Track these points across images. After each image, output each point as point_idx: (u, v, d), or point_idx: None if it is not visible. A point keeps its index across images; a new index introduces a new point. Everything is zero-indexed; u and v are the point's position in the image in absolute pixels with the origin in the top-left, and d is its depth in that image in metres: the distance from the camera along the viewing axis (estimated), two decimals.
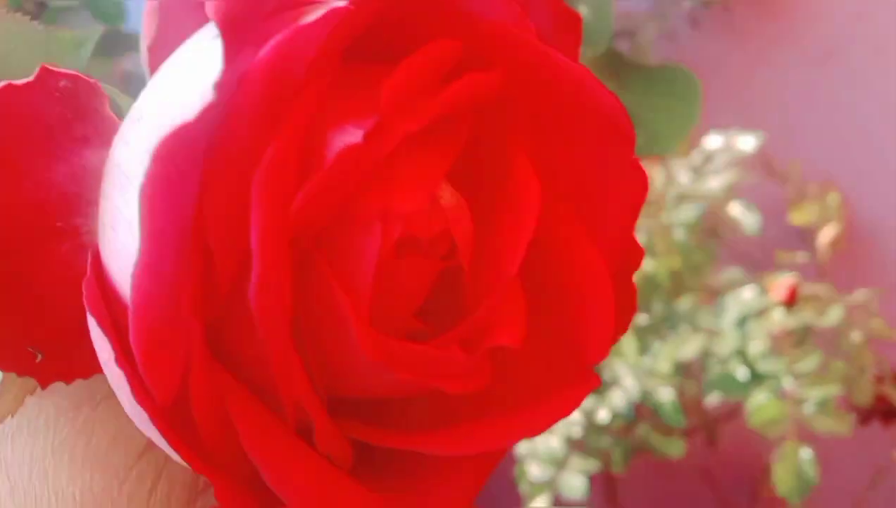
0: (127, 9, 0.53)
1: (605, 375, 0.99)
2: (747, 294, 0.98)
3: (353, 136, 0.17)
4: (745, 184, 1.06)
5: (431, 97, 0.18)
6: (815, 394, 0.89)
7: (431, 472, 0.20)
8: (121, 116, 0.19)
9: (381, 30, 0.19)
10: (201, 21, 0.18)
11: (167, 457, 0.21)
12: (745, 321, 0.96)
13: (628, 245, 0.21)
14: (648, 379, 0.96)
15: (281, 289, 0.17)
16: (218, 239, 0.17)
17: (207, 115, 0.16)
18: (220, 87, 0.16)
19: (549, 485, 0.96)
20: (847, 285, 1.03)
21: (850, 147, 1.25)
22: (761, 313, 0.96)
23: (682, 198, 1.03)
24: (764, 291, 0.98)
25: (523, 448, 0.97)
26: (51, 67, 0.18)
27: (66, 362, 0.19)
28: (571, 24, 0.21)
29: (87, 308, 0.17)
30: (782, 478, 0.88)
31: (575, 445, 0.98)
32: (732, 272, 1.05)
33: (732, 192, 1.04)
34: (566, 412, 0.20)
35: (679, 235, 1.03)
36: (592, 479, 0.97)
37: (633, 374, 0.97)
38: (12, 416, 0.21)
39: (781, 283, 0.97)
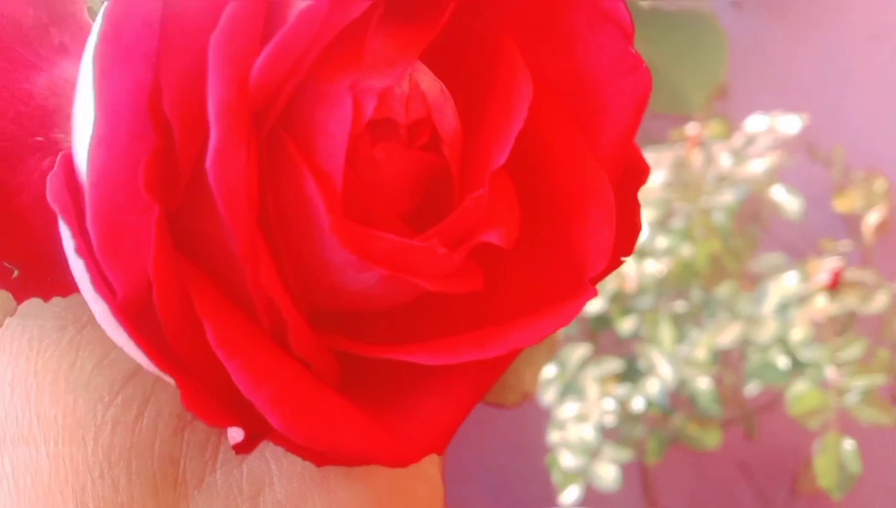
0: None
1: (641, 363, 0.98)
2: (789, 280, 0.95)
3: None
4: (788, 168, 1.03)
5: None
6: (858, 384, 0.87)
7: (421, 388, 0.19)
8: None
9: None
10: None
11: (155, 383, 0.20)
12: (786, 308, 0.94)
13: (632, 156, 0.20)
14: (685, 368, 0.95)
15: (241, 164, 0.16)
16: (177, 111, 0.16)
17: None
18: None
19: (582, 475, 0.95)
20: (893, 273, 1.00)
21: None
22: (803, 299, 0.93)
23: (723, 181, 1.00)
24: (806, 276, 0.95)
25: (555, 437, 0.96)
26: None
27: (43, 278, 0.19)
28: None
29: (49, 200, 0.16)
30: (824, 470, 0.85)
31: (608, 434, 0.96)
32: (773, 258, 1.03)
33: (775, 176, 1.01)
34: (562, 323, 0.19)
35: (719, 219, 1.01)
36: (625, 469, 0.96)
37: (669, 362, 0.96)
38: None
39: (824, 267, 0.94)
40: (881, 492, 1.06)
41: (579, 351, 0.98)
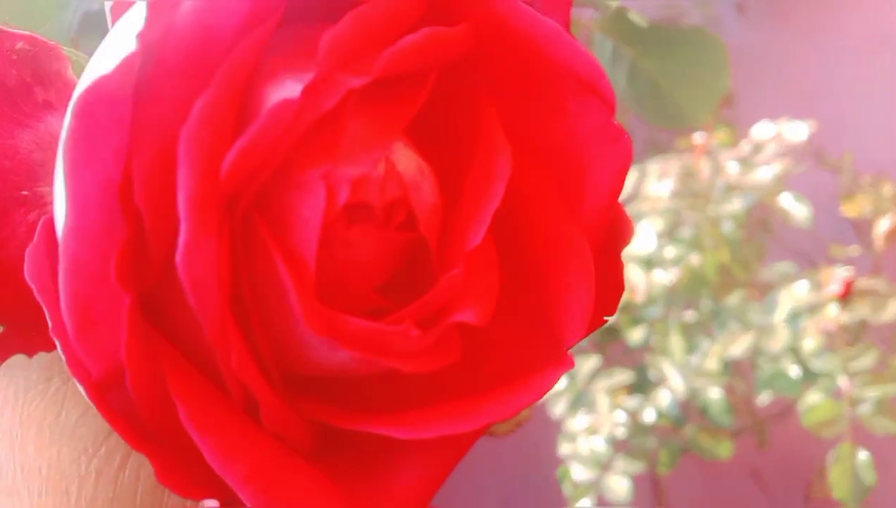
0: None
1: (651, 373, 0.97)
2: (800, 289, 0.95)
3: (291, 90, 0.16)
4: (796, 175, 1.03)
5: (380, 51, 0.17)
6: (871, 393, 0.86)
7: (395, 458, 0.19)
8: None
9: None
10: None
11: None
12: (797, 317, 0.93)
13: (615, 218, 0.20)
14: (696, 378, 0.94)
15: (212, 257, 0.16)
16: (147, 201, 0.16)
17: (128, 66, 0.15)
18: (143, 37, 0.15)
19: (593, 487, 0.94)
20: None
21: None
22: (814, 308, 0.93)
23: (731, 189, 1.00)
24: (817, 285, 0.94)
25: (566, 449, 0.96)
26: (5, 28, 0.18)
27: (28, 334, 0.19)
28: None
29: (27, 277, 0.17)
30: (838, 482, 0.85)
31: (619, 446, 0.96)
32: (783, 266, 1.02)
33: (782, 183, 1.01)
34: (537, 397, 0.19)
35: (727, 228, 1.00)
36: (637, 481, 0.95)
37: (680, 373, 0.95)
38: None
39: (836, 276, 0.93)
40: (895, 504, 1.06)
41: (589, 363, 0.98)
